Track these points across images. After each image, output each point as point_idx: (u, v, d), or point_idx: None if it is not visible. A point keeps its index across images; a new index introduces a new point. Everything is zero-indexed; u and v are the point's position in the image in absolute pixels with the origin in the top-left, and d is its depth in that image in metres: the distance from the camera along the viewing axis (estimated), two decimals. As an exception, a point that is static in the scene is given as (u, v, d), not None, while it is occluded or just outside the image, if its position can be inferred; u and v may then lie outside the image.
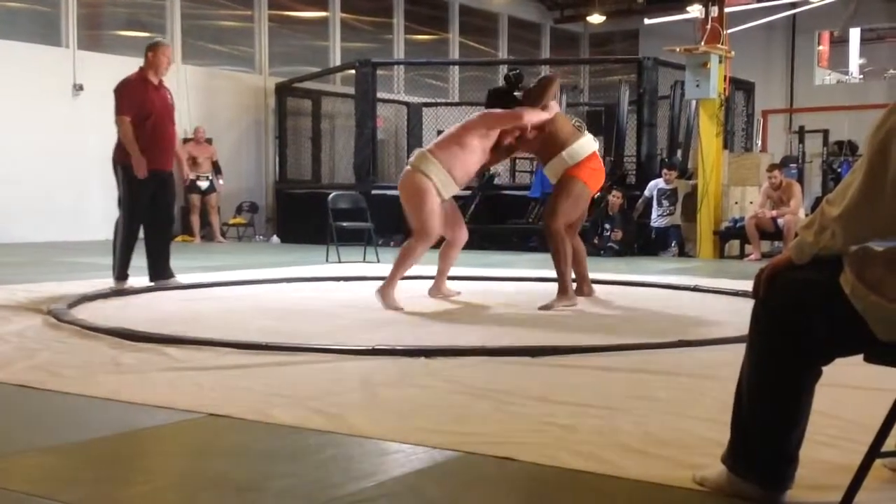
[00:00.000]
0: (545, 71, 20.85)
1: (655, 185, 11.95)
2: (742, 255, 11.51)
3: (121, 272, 6.73)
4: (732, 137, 13.43)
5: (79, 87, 13.47)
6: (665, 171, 12.07)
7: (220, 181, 14.36)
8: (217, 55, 15.92)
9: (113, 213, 6.93)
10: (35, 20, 13.73)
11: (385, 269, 8.98)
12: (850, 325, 2.02)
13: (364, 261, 9.76)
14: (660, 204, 11.87)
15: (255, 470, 2.47)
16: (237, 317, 5.46)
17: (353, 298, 6.43)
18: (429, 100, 16.91)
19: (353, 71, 14.34)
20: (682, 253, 11.69)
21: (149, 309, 5.78)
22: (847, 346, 2.10)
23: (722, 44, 11.36)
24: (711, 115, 11.40)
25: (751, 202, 11.76)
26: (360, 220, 10.18)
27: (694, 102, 12.17)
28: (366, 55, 15.11)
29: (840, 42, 20.70)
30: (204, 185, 14.10)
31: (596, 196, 7.72)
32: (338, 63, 16.90)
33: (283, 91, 15.49)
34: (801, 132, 16.69)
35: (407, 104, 16.35)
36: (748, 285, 2.34)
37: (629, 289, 7.13)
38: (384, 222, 11.71)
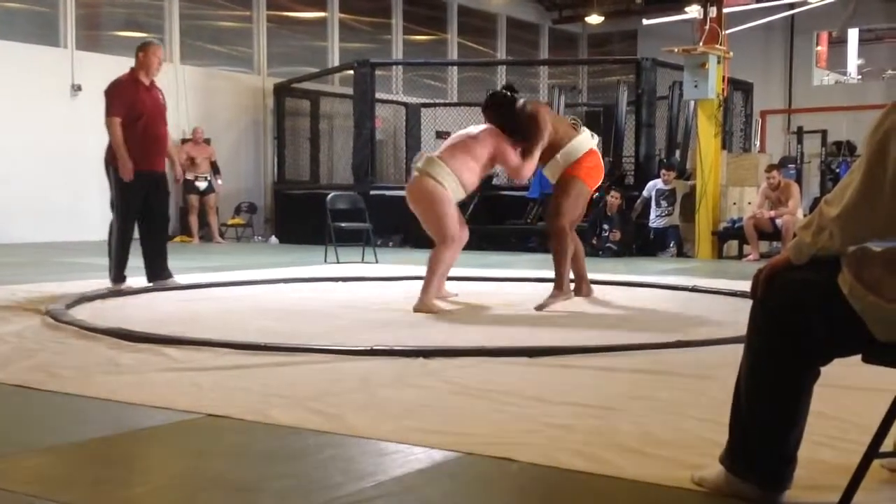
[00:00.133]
0: (544, 71, 20.92)
1: (654, 186, 11.96)
2: (740, 256, 11.51)
3: (117, 274, 6.72)
4: (731, 138, 13.44)
5: (77, 88, 13.47)
6: (663, 171, 12.07)
7: (219, 181, 14.36)
8: (215, 55, 15.92)
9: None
10: (33, 20, 13.73)
11: (384, 269, 9.03)
12: (849, 326, 2.02)
13: (362, 261, 9.76)
14: (658, 204, 11.87)
15: (253, 470, 2.47)
16: (236, 317, 5.46)
17: (351, 299, 6.43)
18: (427, 100, 16.91)
19: (351, 71, 14.35)
20: (681, 253, 11.69)
21: (147, 309, 5.77)
22: (845, 347, 2.10)
23: (720, 44, 11.37)
24: (710, 116, 11.41)
25: (749, 203, 11.77)
26: (358, 220, 10.18)
27: (692, 103, 12.18)
28: (364, 55, 15.12)
29: (838, 42, 20.72)
30: (202, 185, 14.09)
31: (594, 196, 7.73)
32: (336, 63, 16.90)
33: (281, 91, 15.49)
34: (800, 133, 16.71)
35: (405, 105, 16.35)
36: (746, 286, 2.35)
37: (627, 289, 7.12)
38: (383, 223, 11.71)
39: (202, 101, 15.06)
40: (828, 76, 20.90)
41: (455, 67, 19.38)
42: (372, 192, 12.81)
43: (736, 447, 2.19)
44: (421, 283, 5.92)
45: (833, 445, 2.59)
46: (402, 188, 14.68)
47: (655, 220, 11.88)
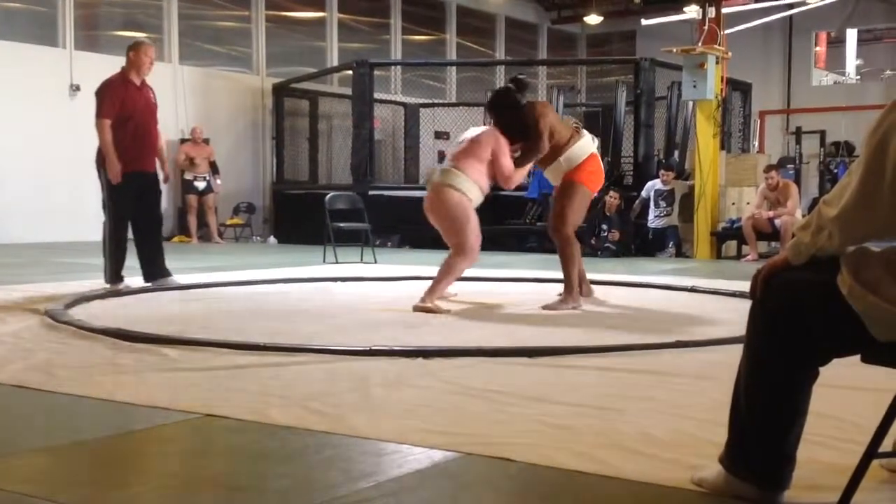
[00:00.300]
0: (543, 71, 20.92)
1: (652, 186, 11.96)
2: (739, 256, 11.52)
3: (112, 275, 6.70)
4: (729, 138, 13.44)
5: (75, 88, 13.46)
6: (662, 171, 12.07)
7: (218, 181, 14.35)
8: (214, 55, 15.92)
9: (109, 214, 6.92)
10: (32, 20, 13.72)
11: (382, 269, 9.03)
12: (848, 326, 2.02)
13: (361, 261, 9.76)
14: (657, 205, 11.87)
15: (252, 470, 2.47)
16: (234, 317, 5.46)
17: (350, 299, 6.43)
18: (426, 100, 16.91)
19: (350, 71, 14.35)
20: (680, 254, 11.70)
21: (146, 309, 5.77)
22: (844, 347, 2.10)
23: (719, 44, 11.38)
24: (708, 116, 11.41)
25: (748, 203, 11.77)
26: (357, 220, 10.18)
27: (691, 103, 12.18)
28: (363, 56, 15.11)
29: (837, 43, 20.72)
30: (201, 185, 14.09)
31: (594, 197, 7.75)
32: (335, 63, 16.90)
33: (280, 91, 15.49)
34: (798, 133, 16.73)
35: (404, 105, 16.36)
36: (745, 286, 2.35)
37: (626, 289, 7.13)
38: (381, 223, 11.71)
39: (201, 102, 15.06)
40: (826, 76, 20.91)
41: (454, 68, 19.38)
42: (371, 193, 12.81)
43: (735, 447, 2.19)
44: (421, 283, 5.92)
45: (832, 446, 2.58)
46: (400, 188, 14.77)
47: (654, 220, 11.88)
